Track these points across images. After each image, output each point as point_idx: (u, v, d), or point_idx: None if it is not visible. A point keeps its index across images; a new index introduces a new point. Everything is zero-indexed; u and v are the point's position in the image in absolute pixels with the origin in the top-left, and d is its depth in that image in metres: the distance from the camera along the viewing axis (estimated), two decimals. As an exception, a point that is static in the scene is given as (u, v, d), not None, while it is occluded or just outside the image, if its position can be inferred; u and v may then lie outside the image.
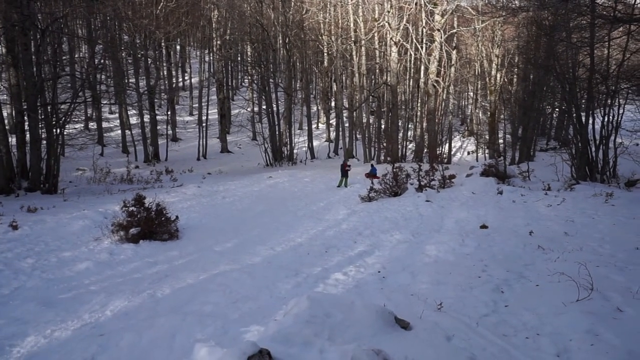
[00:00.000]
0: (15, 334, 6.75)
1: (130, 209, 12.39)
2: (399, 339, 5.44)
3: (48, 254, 10.91)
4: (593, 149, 16.61)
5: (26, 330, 6.87)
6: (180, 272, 9.79)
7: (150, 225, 12.25)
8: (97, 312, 7.58)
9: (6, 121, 22.95)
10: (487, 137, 36.98)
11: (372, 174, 25.83)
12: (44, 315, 7.44)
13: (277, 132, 37.20)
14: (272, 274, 9.25)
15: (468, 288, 7.37)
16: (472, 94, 50.59)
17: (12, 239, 11.69)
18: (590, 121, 16.87)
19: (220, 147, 42.65)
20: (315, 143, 42.67)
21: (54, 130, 21.27)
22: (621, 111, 16.70)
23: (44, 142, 20.93)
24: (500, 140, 34.04)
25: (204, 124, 41.12)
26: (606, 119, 16.29)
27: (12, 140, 21.17)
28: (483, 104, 45.02)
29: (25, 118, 20.77)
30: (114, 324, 7.05)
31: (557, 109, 28.62)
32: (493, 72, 34.94)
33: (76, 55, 41.41)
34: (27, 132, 20.75)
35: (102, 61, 29.81)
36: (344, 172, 22.15)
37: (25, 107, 20.62)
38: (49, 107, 21.20)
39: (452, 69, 36.57)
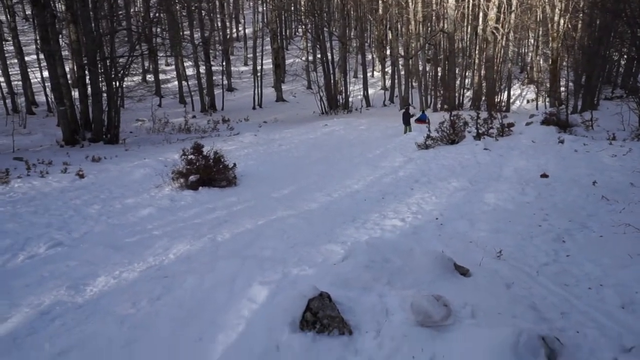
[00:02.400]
0: (87, 275, 7.09)
1: (189, 157, 12.63)
2: (459, 285, 5.44)
3: (113, 201, 11.34)
4: (663, 97, 15.81)
5: (97, 272, 7.20)
6: (239, 217, 9.99)
7: (208, 173, 12.49)
8: (161, 256, 7.86)
9: (68, 76, 23.60)
10: (548, 85, 35.62)
11: (421, 120, 25.45)
12: (112, 258, 7.77)
13: (332, 81, 36.90)
14: (329, 220, 9.33)
15: (528, 237, 7.26)
16: (532, 40, 48.55)
17: (79, 187, 12.19)
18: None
19: (275, 96, 42.69)
20: (370, 91, 42.16)
21: (114, 83, 21.80)
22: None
23: (105, 94, 21.50)
24: (562, 89, 32.74)
25: (258, 74, 41.10)
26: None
27: (75, 94, 21.82)
28: (544, 51, 43.17)
29: (86, 72, 21.32)
30: (177, 267, 7.28)
31: (625, 56, 27.22)
32: (556, 18, 33.27)
33: (131, 10, 41.72)
34: (89, 86, 21.30)
35: (156, 14, 30.00)
36: (407, 119, 21.79)
37: (85, 61, 21.15)
38: (107, 61, 21.69)
39: (512, 15, 35.03)
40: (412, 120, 22.41)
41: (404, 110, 22.46)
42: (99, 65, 21.30)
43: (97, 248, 8.24)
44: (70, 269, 7.34)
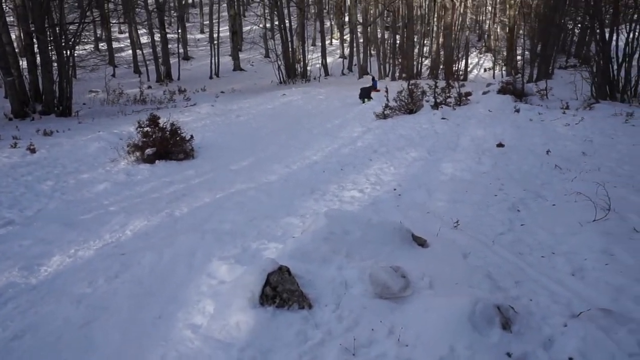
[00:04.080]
0: (41, 254, 6.92)
1: (145, 129, 12.38)
2: (417, 255, 5.53)
3: (66, 176, 11.02)
4: (615, 67, 16.11)
5: (51, 250, 7.04)
6: (197, 191, 9.89)
7: (165, 145, 12.28)
8: (118, 232, 7.73)
9: (15, 44, 22.58)
10: (504, 53, 36.02)
11: (373, 88, 25.47)
12: (67, 236, 7.60)
13: (290, 49, 36.50)
14: (288, 192, 9.31)
15: (484, 206, 7.41)
16: (490, 8, 48.95)
17: (30, 162, 11.79)
18: (614, 38, 16.28)
19: (232, 65, 42.05)
20: (329, 59, 41.89)
21: (64, 51, 20.92)
22: (648, 27, 16.06)
23: (55, 64, 20.68)
24: (519, 57, 33.15)
25: (215, 42, 40.33)
26: (631, 36, 15.72)
27: (23, 63, 20.94)
28: (502, 19, 43.59)
29: (34, 40, 20.39)
30: (134, 243, 7.19)
31: (579, 25, 27.64)
32: (513, -16, 33.60)
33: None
34: (37, 55, 20.44)
35: (109, -23, 29.08)
36: (368, 94, 21.69)
37: (32, 28, 20.18)
38: (57, 28, 20.78)
39: (471, -19, 35.22)
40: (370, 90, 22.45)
41: (363, 86, 22.32)
42: (48, 33, 20.34)
43: (51, 226, 8.04)
44: (23, 249, 7.15)
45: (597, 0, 16.63)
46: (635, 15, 15.78)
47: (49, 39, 20.21)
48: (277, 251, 6.02)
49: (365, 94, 21.65)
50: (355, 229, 5.83)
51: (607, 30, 16.39)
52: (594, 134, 11.53)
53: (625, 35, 15.91)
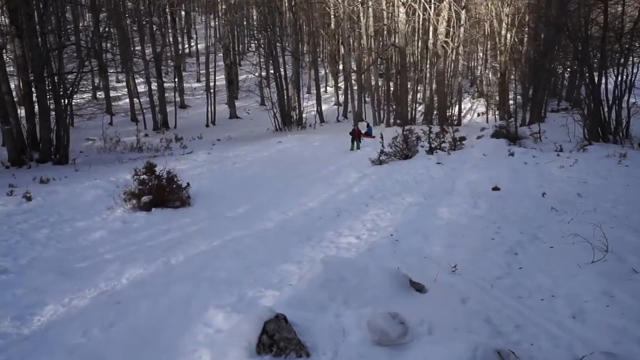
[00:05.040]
0: (34, 303, 6.80)
1: (142, 177, 12.39)
2: (415, 301, 5.48)
3: (62, 224, 10.96)
4: (605, 109, 16.40)
5: (45, 299, 6.92)
6: (193, 239, 9.82)
7: (161, 193, 12.28)
8: (113, 280, 7.63)
9: (14, 93, 22.85)
10: (497, 98, 36.56)
11: (367, 134, 25.78)
12: (62, 285, 7.49)
13: (285, 97, 36.97)
14: (284, 239, 9.27)
15: (481, 250, 7.38)
16: (481, 54, 49.88)
17: (26, 210, 11.78)
18: (603, 81, 16.59)
19: (228, 113, 42.50)
20: (324, 107, 42.40)
21: (62, 100, 21.22)
22: (635, 70, 16.40)
23: (53, 112, 20.88)
24: (511, 102, 33.64)
25: (211, 90, 40.87)
26: (619, 79, 16.02)
27: (21, 112, 21.14)
28: (493, 64, 44.37)
29: (33, 89, 20.64)
30: (130, 292, 7.10)
31: (568, 69, 28.18)
32: (503, 32, 34.29)
33: (80, 24, 41.06)
34: (36, 104, 20.67)
35: (106, 29, 29.56)
36: (355, 137, 22.14)
37: (32, 78, 20.45)
38: (55, 78, 21.09)
39: (462, 29, 35.80)
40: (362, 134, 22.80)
41: (352, 130, 22.81)
42: (47, 82, 20.63)
43: (45, 274, 7.94)
44: (16, 298, 7.03)
45: (584, 46, 16.99)
46: (622, 59, 16.10)
47: (47, 87, 20.48)
48: (274, 299, 5.95)
49: (353, 136, 21.96)
50: (352, 275, 5.79)
51: (595, 74, 16.70)
52: (588, 176, 11.62)
53: (614, 78, 16.20)
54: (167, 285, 7.19)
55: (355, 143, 22.13)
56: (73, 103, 23.53)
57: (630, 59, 16.37)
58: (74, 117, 27.41)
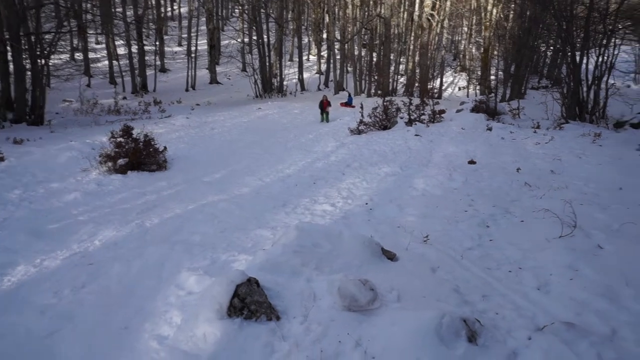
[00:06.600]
0: (5, 263, 6.75)
1: (118, 139, 12.29)
2: (386, 269, 5.56)
3: (36, 185, 10.82)
4: (585, 89, 16.52)
5: (16, 260, 6.88)
6: (169, 202, 9.80)
7: (138, 156, 12.19)
8: (86, 242, 7.61)
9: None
10: (479, 73, 36.60)
11: (347, 104, 25.59)
12: (33, 245, 7.45)
13: (267, 64, 36.65)
14: (260, 205, 9.30)
15: (454, 222, 7.48)
16: (466, 29, 49.76)
17: (-1, 170, 11.61)
18: (584, 61, 16.69)
19: (209, 78, 42.05)
20: (305, 75, 42.13)
21: (39, 60, 20.73)
22: (616, 52, 16.51)
23: (29, 73, 20.42)
24: (492, 77, 33.72)
25: (192, 55, 40.34)
26: (600, 60, 16.13)
27: (-5, 71, 20.63)
28: (477, 39, 44.36)
29: (8, 48, 20.11)
30: (103, 254, 7.08)
31: (551, 47, 28.23)
32: (489, 7, 34.16)
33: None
34: (11, 63, 20.17)
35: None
36: (323, 108, 21.72)
37: (7, 36, 19.91)
38: (32, 37, 20.55)
39: (448, 3, 35.77)
40: (335, 105, 22.53)
41: (321, 100, 22.14)
42: (23, 41, 20.14)
43: (17, 235, 7.87)
44: (-14, 258, 7.00)
45: (568, 25, 17.04)
46: (604, 40, 16.19)
47: (23, 47, 19.95)
48: (247, 263, 5.99)
49: (322, 108, 21.45)
50: (325, 242, 5.85)
51: (577, 53, 16.79)
52: (562, 153, 11.78)
53: (595, 58, 16.31)
54: (140, 247, 7.19)
55: (324, 115, 21.69)
56: (50, 64, 22.99)
57: (613, 41, 16.45)
58: (51, 77, 26.86)
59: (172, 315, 5.04)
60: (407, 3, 40.08)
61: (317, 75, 44.97)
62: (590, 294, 4.82)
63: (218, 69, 44.11)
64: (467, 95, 36.02)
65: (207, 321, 4.48)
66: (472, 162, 11.44)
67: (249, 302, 4.59)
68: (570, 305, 4.68)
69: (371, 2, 41.34)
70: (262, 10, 37.03)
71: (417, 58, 35.61)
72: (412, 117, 17.59)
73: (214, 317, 4.50)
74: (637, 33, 19.89)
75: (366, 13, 42.32)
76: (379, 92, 31.17)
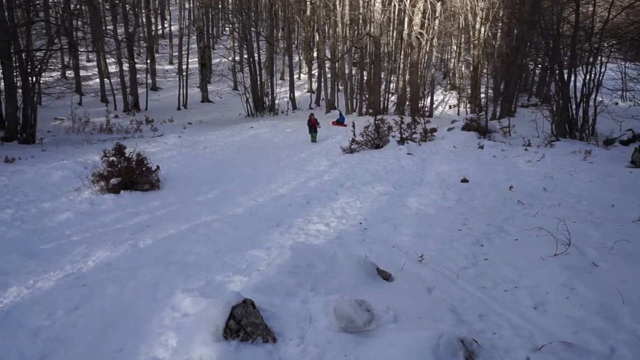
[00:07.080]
0: (-3, 285, 6.70)
1: (111, 158, 12.25)
2: (381, 289, 5.54)
3: (27, 205, 10.76)
4: (574, 106, 16.74)
5: (8, 281, 6.80)
6: (162, 222, 9.76)
7: (131, 175, 12.16)
8: (79, 263, 7.54)
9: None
10: (469, 91, 36.91)
11: (339, 122, 25.65)
12: (26, 266, 7.37)
13: (258, 82, 36.80)
14: (254, 225, 9.27)
15: (448, 241, 7.50)
16: (455, 47, 50.23)
17: (-11, 189, 11.53)
18: (572, 79, 16.93)
19: (200, 96, 42.14)
20: (297, 93, 42.32)
21: (30, 78, 20.68)
22: (603, 69, 16.78)
23: (20, 90, 20.36)
24: (482, 95, 34.01)
25: (184, 73, 40.45)
26: (588, 77, 16.36)
27: (-14, 89, 20.61)
28: (466, 57, 44.79)
29: (-1, 66, 20.11)
30: (96, 275, 7.02)
31: (539, 66, 28.57)
32: (477, 26, 34.54)
33: (50, 0, 40.09)
34: (1, 80, 20.14)
35: (77, 6, 28.84)
36: (312, 127, 21.50)
37: (-3, 54, 19.92)
38: (23, 55, 20.53)
39: (436, 22, 36.03)
40: (327, 124, 22.57)
41: (308, 118, 21.86)
42: (14, 59, 20.12)
43: (9, 255, 7.79)
44: (-22, 280, 6.92)
45: (555, 44, 17.28)
46: (591, 58, 16.42)
47: (14, 64, 19.92)
48: (242, 284, 5.96)
49: (310, 126, 21.38)
50: (320, 262, 5.83)
51: (565, 71, 17.01)
52: (554, 171, 11.87)
53: (583, 76, 16.53)
54: (134, 268, 7.14)
55: (313, 135, 21.43)
56: (41, 81, 22.95)
57: (599, 59, 16.72)
58: (42, 95, 26.82)
59: (167, 338, 5.00)
60: (396, 22, 40.43)
61: (309, 93, 45.19)
62: (587, 312, 4.82)
63: (209, 87, 44.26)
64: (458, 114, 36.27)
65: (203, 343, 4.44)
66: (464, 180, 11.49)
67: (245, 324, 4.56)
68: (567, 324, 4.68)
69: (360, 21, 41.67)
70: (252, 29, 37.28)
71: (407, 76, 35.86)
72: (404, 136, 17.68)
73: (210, 339, 4.46)
74: (623, 51, 20.20)
75: (356, 32, 42.67)
76: (370, 110, 31.34)
